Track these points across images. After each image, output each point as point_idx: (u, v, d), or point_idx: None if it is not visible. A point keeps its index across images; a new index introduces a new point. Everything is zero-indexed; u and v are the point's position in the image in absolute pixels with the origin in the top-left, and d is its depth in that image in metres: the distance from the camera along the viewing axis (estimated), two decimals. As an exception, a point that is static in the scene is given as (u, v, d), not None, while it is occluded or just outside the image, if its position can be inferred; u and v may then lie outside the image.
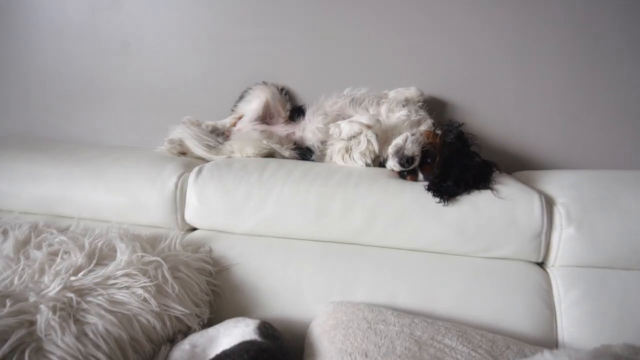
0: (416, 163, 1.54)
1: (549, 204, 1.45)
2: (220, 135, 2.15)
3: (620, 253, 1.39)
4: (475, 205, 1.44)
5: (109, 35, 2.25)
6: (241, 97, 2.14)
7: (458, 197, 1.46)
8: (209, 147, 1.86)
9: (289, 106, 2.11)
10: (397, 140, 1.57)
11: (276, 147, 1.85)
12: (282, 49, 2.13)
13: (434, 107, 1.96)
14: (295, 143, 1.94)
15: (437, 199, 1.45)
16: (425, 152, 1.53)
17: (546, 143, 1.99)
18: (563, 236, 1.41)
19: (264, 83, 2.13)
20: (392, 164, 1.56)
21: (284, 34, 2.11)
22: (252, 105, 2.08)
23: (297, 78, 2.15)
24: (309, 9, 2.06)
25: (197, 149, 1.86)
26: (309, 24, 2.07)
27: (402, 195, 1.49)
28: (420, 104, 1.89)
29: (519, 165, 2.01)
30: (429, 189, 1.47)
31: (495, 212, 1.43)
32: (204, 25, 2.17)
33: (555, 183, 1.60)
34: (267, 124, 2.09)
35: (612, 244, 1.39)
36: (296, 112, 2.07)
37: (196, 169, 1.68)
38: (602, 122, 1.95)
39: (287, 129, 2.03)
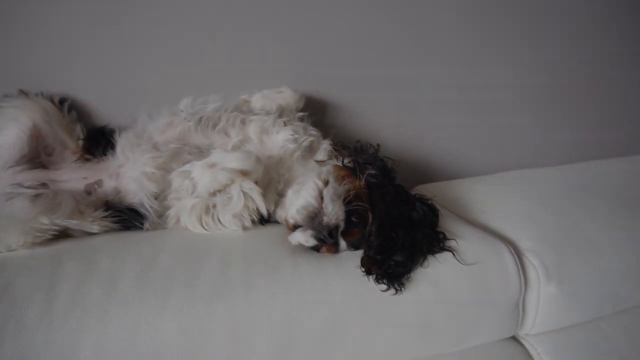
0: (340, 230, 0.94)
1: (518, 256, 1.04)
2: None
3: (602, 302, 1.09)
4: (435, 282, 0.95)
5: None
6: (-23, 123, 1.17)
7: (411, 275, 0.93)
8: None
9: (81, 130, 1.24)
10: (305, 197, 0.94)
11: (72, 223, 1.01)
12: (54, 26, 1.21)
13: (310, 109, 1.36)
14: (106, 202, 1.11)
15: (385, 287, 0.89)
16: (350, 211, 0.94)
17: (448, 145, 1.61)
18: (542, 297, 1.04)
19: (23, 94, 1.21)
20: (304, 238, 0.93)
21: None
22: (5, 136, 1.15)
23: (91, 79, 1.27)
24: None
25: None
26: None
27: (329, 291, 0.89)
28: (301, 113, 1.28)
29: (420, 174, 1.60)
30: (368, 272, 0.90)
31: (464, 285, 0.96)
32: None
33: (494, 211, 1.23)
34: (44, 166, 1.20)
35: (595, 294, 1.08)
36: (97, 140, 1.23)
37: None
38: (492, 121, 1.65)
39: (86, 174, 1.18)
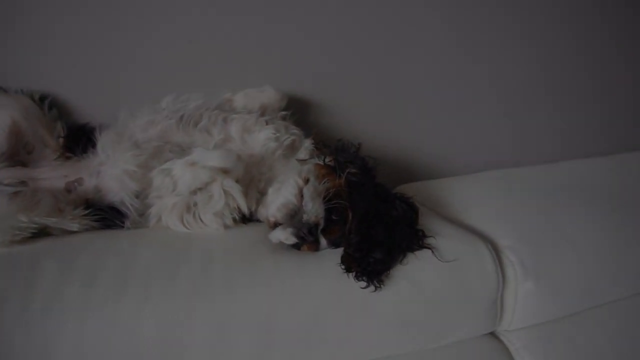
0: (320, 227, 0.95)
1: (497, 253, 1.06)
2: None
3: (578, 297, 1.12)
4: (414, 279, 0.96)
5: None
6: (-45, 121, 1.16)
7: (390, 272, 0.94)
8: None
9: (61, 128, 1.23)
10: (285, 195, 0.95)
11: (51, 221, 1.00)
12: (34, 22, 1.20)
13: (292, 108, 1.36)
14: (87, 201, 1.11)
15: (364, 284, 0.90)
16: (330, 209, 0.95)
17: (429, 144, 1.62)
18: (520, 293, 1.06)
19: (3, 90, 1.20)
20: (284, 236, 0.94)
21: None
22: (-16, 133, 1.14)
23: (72, 76, 1.26)
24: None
25: None
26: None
27: (309, 289, 0.90)
28: (284, 112, 1.28)
29: (402, 173, 1.61)
30: (348, 269, 0.91)
31: (442, 282, 0.98)
32: None
33: (474, 209, 1.25)
34: (24, 164, 1.19)
35: (571, 290, 1.10)
36: (77, 138, 1.21)
37: None
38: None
39: (66, 173, 1.17)
